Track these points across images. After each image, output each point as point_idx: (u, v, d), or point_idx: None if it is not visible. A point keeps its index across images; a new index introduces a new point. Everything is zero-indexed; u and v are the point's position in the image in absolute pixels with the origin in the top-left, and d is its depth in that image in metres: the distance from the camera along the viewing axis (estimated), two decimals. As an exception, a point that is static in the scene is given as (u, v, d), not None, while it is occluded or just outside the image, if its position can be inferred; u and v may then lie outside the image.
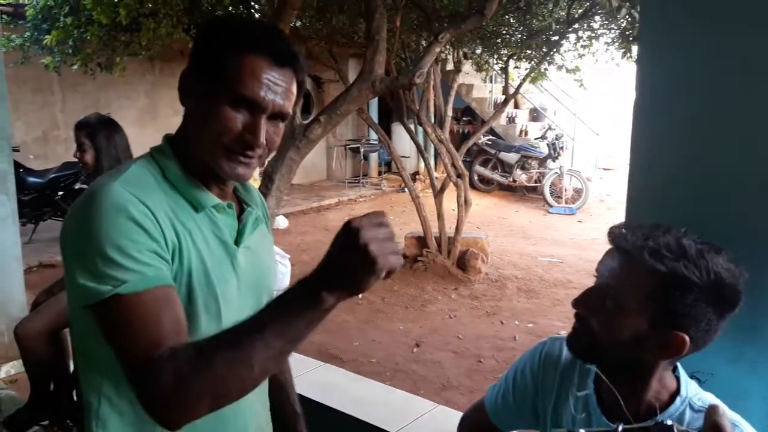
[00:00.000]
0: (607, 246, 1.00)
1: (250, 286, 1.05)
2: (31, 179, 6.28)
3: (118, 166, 0.98)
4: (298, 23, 5.99)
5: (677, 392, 0.98)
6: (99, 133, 2.58)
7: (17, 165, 4.82)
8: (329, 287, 0.76)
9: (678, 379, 1.00)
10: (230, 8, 5.24)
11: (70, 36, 5.13)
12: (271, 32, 0.98)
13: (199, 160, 0.97)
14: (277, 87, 0.93)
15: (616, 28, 5.92)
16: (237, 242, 1.02)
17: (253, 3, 5.48)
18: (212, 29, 0.99)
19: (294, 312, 0.77)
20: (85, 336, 0.95)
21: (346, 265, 0.75)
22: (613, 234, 0.97)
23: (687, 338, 0.90)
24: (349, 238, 0.74)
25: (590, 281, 1.03)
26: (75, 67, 5.31)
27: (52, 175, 6.41)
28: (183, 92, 0.97)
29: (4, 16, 5.78)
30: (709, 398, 0.98)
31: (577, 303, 1.00)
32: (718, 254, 0.90)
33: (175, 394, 0.77)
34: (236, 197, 1.09)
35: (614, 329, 0.94)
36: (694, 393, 0.98)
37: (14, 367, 3.28)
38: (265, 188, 3.39)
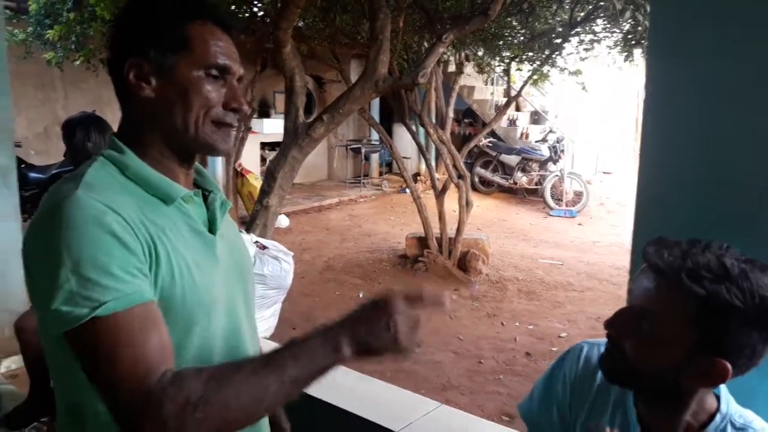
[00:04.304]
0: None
1: (234, 273, 1.00)
2: (33, 175, 6.26)
3: (73, 172, 0.89)
4: (301, 23, 6.00)
5: (717, 409, 0.93)
6: (76, 132, 2.58)
7: (19, 160, 4.82)
8: (350, 342, 0.78)
9: (718, 396, 0.95)
10: (233, 6, 5.25)
11: (73, 32, 5.14)
12: (208, 1, 0.96)
13: (171, 148, 0.92)
14: (234, 51, 0.94)
15: (618, 31, 5.93)
16: (211, 230, 0.97)
17: (255, 1, 5.48)
18: (149, 3, 0.93)
19: (313, 356, 0.78)
20: (62, 367, 0.86)
21: (372, 331, 0.78)
22: (648, 252, 0.88)
23: (729, 366, 0.83)
24: (382, 311, 0.78)
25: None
26: (77, 63, 5.31)
27: (54, 171, 6.38)
28: (138, 79, 0.89)
29: (8, 11, 5.77)
30: (750, 416, 0.94)
31: (609, 325, 0.93)
32: (763, 272, 0.82)
33: (179, 423, 0.72)
34: (195, 185, 1.03)
35: (650, 356, 0.88)
36: (734, 410, 0.93)
37: (15, 362, 3.26)
38: (268, 186, 3.39)
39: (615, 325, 0.92)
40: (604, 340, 0.97)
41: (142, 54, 0.89)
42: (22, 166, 6.04)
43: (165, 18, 0.90)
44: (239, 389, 0.75)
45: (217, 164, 7.43)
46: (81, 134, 2.61)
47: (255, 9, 5.97)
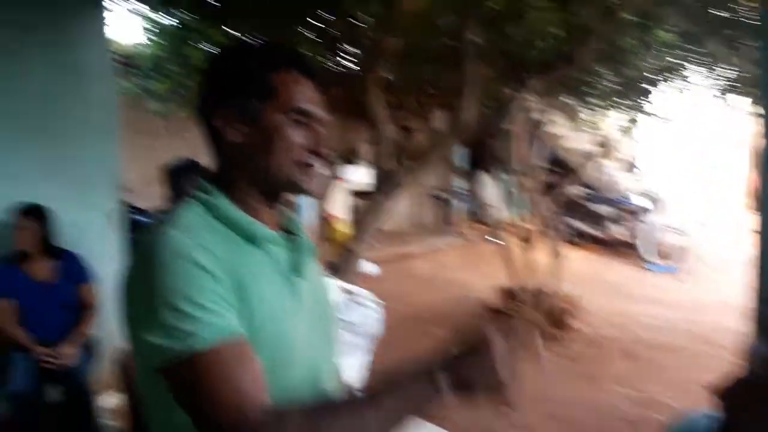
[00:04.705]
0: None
1: (317, 319, 1.01)
2: (141, 218, 6.61)
3: (165, 214, 0.95)
4: (389, 75, 6.12)
5: None
6: (176, 177, 2.70)
7: (128, 205, 5.10)
8: (449, 378, 0.80)
9: None
10: (323, 57, 5.43)
11: (177, 84, 5.49)
12: (294, 50, 1.00)
13: (259, 190, 0.95)
14: (318, 97, 0.97)
15: (715, 76, 5.62)
16: (298, 274, 0.98)
17: (342, 53, 5.65)
18: (236, 55, 0.98)
19: (411, 393, 0.80)
20: (155, 405, 0.89)
21: (470, 367, 0.81)
22: None
23: None
24: (480, 348, 0.81)
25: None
26: (180, 114, 5.64)
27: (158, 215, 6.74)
28: (227, 126, 0.94)
29: (122, 67, 6.27)
30: None
31: (725, 396, 0.82)
32: None
33: None
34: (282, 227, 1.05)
35: None
36: None
37: (122, 400, 3.34)
38: (354, 232, 3.38)
39: (732, 396, 0.81)
40: (713, 410, 0.85)
41: (230, 102, 0.94)
42: (132, 210, 6.41)
43: (252, 68, 0.94)
44: (341, 426, 0.76)
45: (306, 210, 7.59)
46: (181, 179, 2.73)
47: (344, 61, 6.17)
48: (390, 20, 3.14)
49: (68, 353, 2.83)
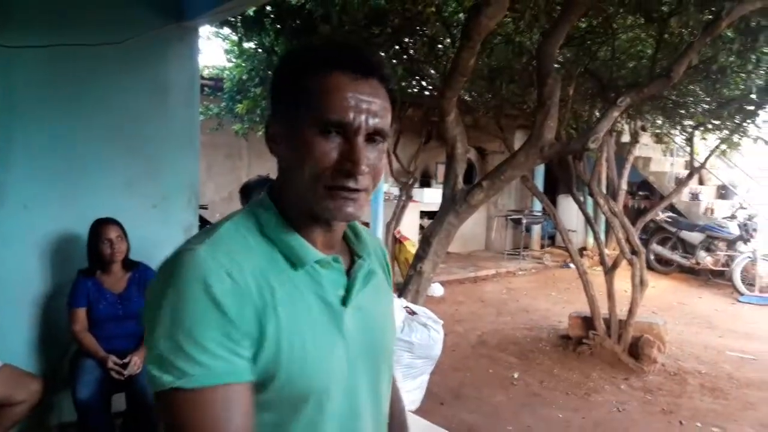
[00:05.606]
0: None
1: (364, 352, 0.90)
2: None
3: (212, 224, 0.88)
4: (467, 96, 6.05)
5: None
6: (252, 195, 2.74)
7: (204, 221, 5.29)
8: None
9: None
10: (402, 82, 5.44)
11: (258, 105, 5.65)
12: (346, 46, 0.85)
13: (301, 208, 0.85)
14: (366, 102, 0.80)
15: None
16: (345, 302, 0.87)
17: (422, 73, 5.64)
18: (285, 59, 0.88)
19: None
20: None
21: None
22: None
23: None
24: None
25: None
26: (259, 133, 5.81)
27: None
28: (271, 141, 0.87)
29: (206, 89, 6.56)
30: None
31: None
32: None
33: None
34: (348, 247, 0.96)
35: None
36: None
37: None
38: (422, 251, 3.32)
39: None
40: None
41: (276, 117, 0.87)
42: (208, 226, 6.65)
43: (287, 72, 0.85)
44: None
45: (377, 230, 7.61)
46: (254, 195, 2.78)
47: (423, 82, 6.16)
48: (468, 40, 3.09)
49: (137, 363, 2.89)
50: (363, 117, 0.80)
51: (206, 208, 6.16)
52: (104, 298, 3.01)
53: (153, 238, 3.35)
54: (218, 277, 0.74)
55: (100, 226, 3.04)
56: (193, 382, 0.72)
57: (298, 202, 0.85)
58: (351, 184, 0.80)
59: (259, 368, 0.77)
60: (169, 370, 0.72)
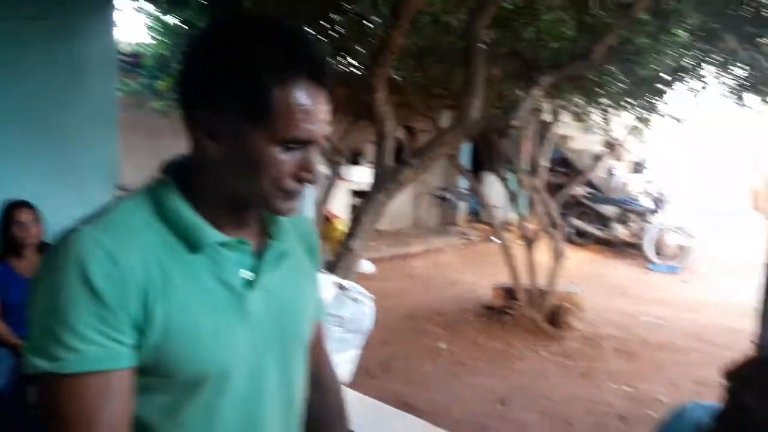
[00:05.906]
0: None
1: (272, 336, 0.88)
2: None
3: (112, 202, 0.84)
4: (396, 75, 6.08)
5: None
6: None
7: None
8: None
9: None
10: (329, 58, 5.40)
11: (181, 81, 5.47)
12: (305, 42, 0.79)
13: (221, 195, 0.83)
14: (323, 112, 0.80)
15: (731, 76, 5.56)
16: (252, 284, 0.85)
17: (349, 51, 5.62)
18: (233, 43, 0.77)
19: None
20: None
21: None
22: None
23: None
24: None
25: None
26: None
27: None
28: (208, 137, 0.79)
29: (126, 66, 6.29)
30: None
31: (729, 375, 0.83)
32: None
33: None
34: (264, 230, 0.93)
35: None
36: None
37: None
38: (352, 229, 3.37)
39: (736, 375, 0.82)
40: (710, 402, 0.87)
41: (213, 108, 0.77)
42: (106, 204, 6.44)
43: (247, 71, 0.75)
44: None
45: (305, 209, 7.59)
46: None
47: (351, 59, 6.14)
48: (398, 18, 3.11)
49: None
50: (320, 129, 0.80)
51: (125, 190, 5.95)
52: (17, 283, 2.83)
53: (70, 220, 3.20)
54: (97, 261, 0.72)
55: (11, 209, 2.89)
56: (65, 367, 0.70)
57: (227, 197, 0.83)
58: (302, 190, 0.83)
59: (145, 352, 0.75)
60: (43, 354, 0.71)
